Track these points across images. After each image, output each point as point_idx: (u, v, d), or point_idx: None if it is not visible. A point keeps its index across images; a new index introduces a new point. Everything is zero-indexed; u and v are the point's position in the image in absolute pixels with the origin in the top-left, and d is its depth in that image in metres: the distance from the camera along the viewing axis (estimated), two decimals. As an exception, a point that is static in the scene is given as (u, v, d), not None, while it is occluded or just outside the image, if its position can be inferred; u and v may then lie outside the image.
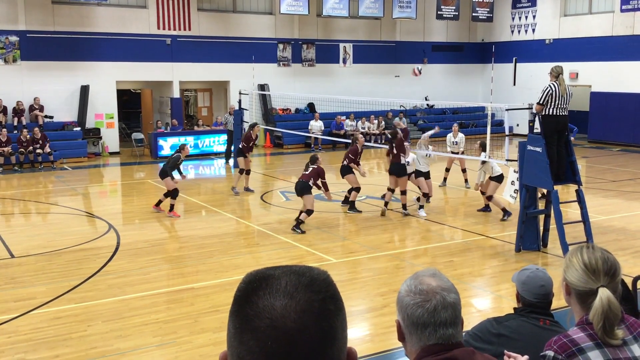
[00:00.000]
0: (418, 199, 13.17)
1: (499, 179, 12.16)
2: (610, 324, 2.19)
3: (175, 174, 12.62)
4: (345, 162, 12.83)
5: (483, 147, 12.21)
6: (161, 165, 13.56)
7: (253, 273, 1.11)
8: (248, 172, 14.88)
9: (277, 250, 10.18)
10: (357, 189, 12.79)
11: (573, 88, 10.36)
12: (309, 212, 11.11)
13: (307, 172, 11.36)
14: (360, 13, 24.90)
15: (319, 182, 11.41)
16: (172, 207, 12.31)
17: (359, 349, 6.44)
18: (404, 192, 12.34)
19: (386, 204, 12.57)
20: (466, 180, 15.51)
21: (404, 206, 12.44)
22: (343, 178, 13.07)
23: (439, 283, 1.89)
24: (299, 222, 11.08)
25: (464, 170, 15.59)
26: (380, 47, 26.58)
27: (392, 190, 12.50)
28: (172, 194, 12.35)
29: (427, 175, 12.97)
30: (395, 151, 12.28)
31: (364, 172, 13.12)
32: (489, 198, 12.41)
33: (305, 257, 9.75)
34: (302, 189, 11.20)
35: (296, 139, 22.92)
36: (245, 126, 19.72)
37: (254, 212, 13.05)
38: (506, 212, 12.00)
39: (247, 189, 14.84)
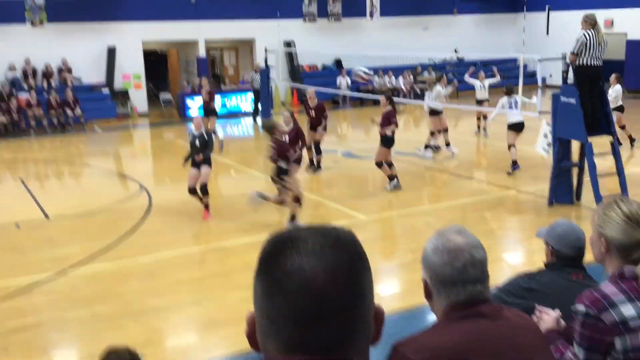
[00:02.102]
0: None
1: (514, 127, 12.02)
2: None
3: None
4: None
5: (508, 92, 12.15)
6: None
7: (277, 234, 1.09)
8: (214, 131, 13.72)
9: (305, 208, 10.19)
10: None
11: (608, 36, 10.01)
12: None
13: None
14: (387, -36, 24.29)
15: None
16: (206, 206, 9.80)
17: (389, 305, 6.48)
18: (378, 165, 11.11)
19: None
20: (484, 129, 15.58)
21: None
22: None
23: (466, 240, 1.85)
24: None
25: (483, 117, 15.62)
26: (408, -1, 25.99)
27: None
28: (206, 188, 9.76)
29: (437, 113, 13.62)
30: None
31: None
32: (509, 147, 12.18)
33: (334, 215, 9.76)
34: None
35: (324, 96, 22.70)
36: (272, 85, 19.71)
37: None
38: (515, 165, 11.93)
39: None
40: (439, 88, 13.89)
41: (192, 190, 9.58)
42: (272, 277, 1.03)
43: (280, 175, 9.01)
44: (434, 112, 13.82)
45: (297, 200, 9.06)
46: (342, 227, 1.11)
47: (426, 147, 13.86)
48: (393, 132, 10.73)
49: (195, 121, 9.86)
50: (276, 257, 1.04)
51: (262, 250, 1.09)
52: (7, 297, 6.89)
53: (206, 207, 9.67)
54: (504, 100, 12.26)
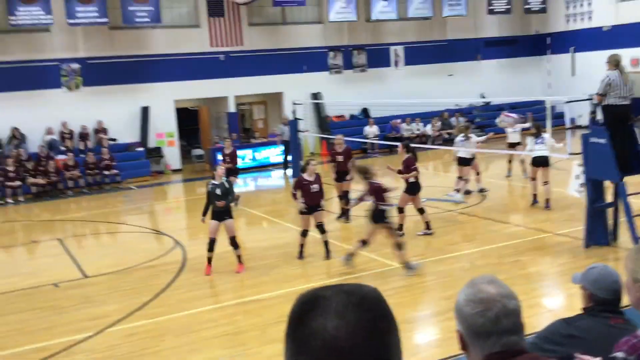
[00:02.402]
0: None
1: (536, 162, 12.52)
2: None
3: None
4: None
5: (537, 130, 12.81)
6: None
7: (304, 294, 1.13)
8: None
9: (339, 258, 10.20)
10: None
11: (635, 75, 10.02)
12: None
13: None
14: (410, 14, 24.75)
15: None
16: (239, 258, 9.84)
17: (427, 354, 6.40)
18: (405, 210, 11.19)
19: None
20: (524, 171, 15.39)
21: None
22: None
23: (498, 290, 1.86)
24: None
25: (522, 161, 15.45)
26: (432, 47, 26.33)
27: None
28: (235, 241, 9.78)
29: (468, 162, 13.79)
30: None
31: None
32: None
33: (367, 264, 9.74)
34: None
35: (352, 145, 22.90)
36: (301, 136, 19.96)
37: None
38: (534, 199, 12.76)
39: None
40: (475, 137, 13.97)
41: (213, 242, 9.61)
42: (298, 337, 1.07)
43: (381, 218, 9.06)
44: (465, 161, 13.85)
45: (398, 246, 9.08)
46: (368, 286, 1.14)
47: (456, 190, 13.86)
48: (416, 178, 10.87)
49: (218, 171, 9.94)
50: (302, 318, 1.09)
51: (291, 310, 1.13)
52: (48, 357, 6.98)
53: (239, 259, 9.75)
54: (530, 140, 12.80)
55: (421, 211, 11.21)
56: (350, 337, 1.04)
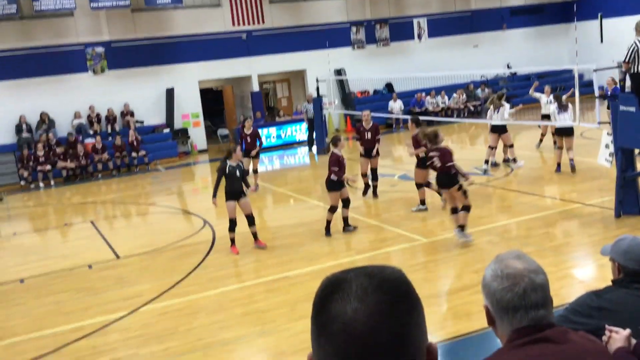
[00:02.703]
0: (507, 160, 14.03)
1: (560, 132, 12.84)
2: None
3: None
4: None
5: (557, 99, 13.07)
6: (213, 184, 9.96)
7: (328, 277, 1.15)
8: (254, 171, 14.25)
9: (366, 234, 10.23)
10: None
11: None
12: (332, 209, 10.16)
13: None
14: (432, -15, 24.37)
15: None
16: (256, 235, 9.98)
17: (456, 329, 6.41)
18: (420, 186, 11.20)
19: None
20: (555, 142, 15.12)
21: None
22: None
23: (525, 265, 1.86)
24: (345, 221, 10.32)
25: (553, 134, 15.18)
26: (455, 18, 25.94)
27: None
28: (252, 218, 9.84)
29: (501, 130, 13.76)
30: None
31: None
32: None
33: (395, 239, 9.75)
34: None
35: (377, 120, 22.76)
36: (325, 113, 19.89)
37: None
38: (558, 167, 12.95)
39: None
40: (507, 106, 13.84)
41: (233, 222, 9.64)
42: (320, 321, 1.09)
43: (451, 182, 8.95)
44: (498, 129, 13.75)
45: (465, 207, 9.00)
46: (391, 268, 1.14)
47: (486, 162, 13.88)
48: (426, 153, 10.73)
49: (237, 153, 9.79)
50: (324, 301, 1.10)
51: (315, 294, 1.15)
52: (84, 337, 7.17)
53: (255, 236, 9.85)
54: (554, 107, 12.96)
55: (427, 185, 11.20)
56: (368, 321, 1.05)
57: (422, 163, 10.79)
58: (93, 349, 6.83)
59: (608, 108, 11.76)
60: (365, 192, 12.71)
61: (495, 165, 14.07)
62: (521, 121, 15.84)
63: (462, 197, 8.96)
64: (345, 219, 10.26)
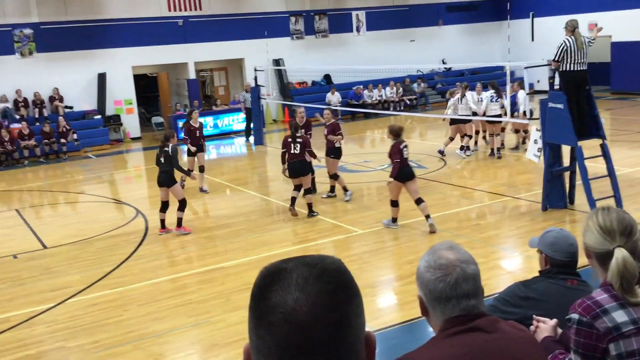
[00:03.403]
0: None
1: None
2: (628, 283, 2.21)
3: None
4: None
5: (493, 86, 14.12)
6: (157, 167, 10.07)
7: (267, 267, 1.13)
8: (201, 169, 12.90)
9: (302, 225, 10.25)
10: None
11: (599, 40, 10.16)
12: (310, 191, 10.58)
13: (297, 150, 10.27)
14: (371, -21, 24.53)
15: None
16: (180, 221, 10.08)
17: (389, 318, 6.51)
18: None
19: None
20: (483, 139, 15.56)
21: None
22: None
23: (457, 255, 1.89)
24: (310, 208, 10.52)
25: (477, 132, 15.57)
26: (394, 12, 26.23)
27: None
28: (182, 204, 9.97)
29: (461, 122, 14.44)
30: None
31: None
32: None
33: (331, 230, 9.81)
34: (304, 167, 10.34)
35: (314, 111, 22.86)
36: (263, 103, 19.74)
37: (277, 189, 13.10)
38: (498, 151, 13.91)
39: (201, 189, 12.95)
40: (470, 98, 14.39)
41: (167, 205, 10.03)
42: (259, 311, 1.07)
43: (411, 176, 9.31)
44: (460, 120, 14.47)
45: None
46: (331, 257, 1.13)
47: (461, 148, 14.69)
48: (340, 143, 11.40)
49: (174, 138, 10.27)
50: (263, 291, 1.08)
51: (254, 284, 1.12)
52: (9, 329, 6.89)
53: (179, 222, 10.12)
54: (489, 93, 13.93)
55: (335, 177, 11.45)
56: (309, 310, 1.04)
57: (335, 152, 11.36)
58: (19, 342, 6.58)
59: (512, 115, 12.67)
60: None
61: (443, 153, 14.69)
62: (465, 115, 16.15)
63: (417, 191, 9.33)
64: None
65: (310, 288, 1.05)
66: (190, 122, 12.90)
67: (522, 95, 13.59)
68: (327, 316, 1.04)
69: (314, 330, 1.03)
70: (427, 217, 9.24)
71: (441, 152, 14.81)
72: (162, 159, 9.85)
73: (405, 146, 9.29)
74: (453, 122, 14.62)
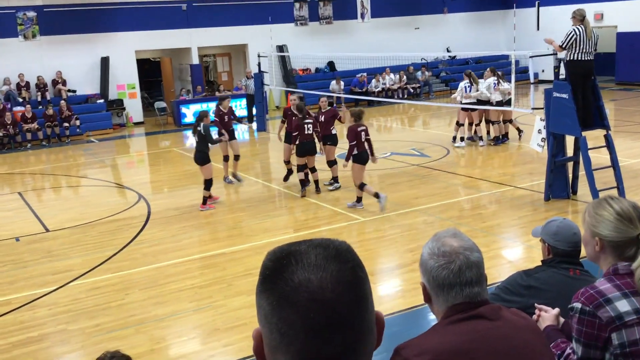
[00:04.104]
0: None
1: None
2: None
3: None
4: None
5: (493, 72, 14.05)
6: (192, 144, 10.80)
7: (277, 250, 1.12)
8: (236, 157, 12.23)
9: (304, 211, 10.25)
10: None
11: (598, 30, 10.11)
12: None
13: (310, 130, 10.75)
14: (376, -35, 24.34)
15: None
16: (205, 199, 10.61)
17: (391, 305, 6.53)
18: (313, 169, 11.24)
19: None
20: (488, 132, 15.42)
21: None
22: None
23: (461, 243, 1.89)
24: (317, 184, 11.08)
25: (487, 122, 15.47)
26: (398, -1, 26.07)
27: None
28: (207, 184, 10.44)
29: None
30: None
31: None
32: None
33: (332, 218, 9.81)
34: (314, 147, 10.87)
35: (318, 98, 22.78)
36: (267, 89, 19.67)
37: (278, 175, 13.08)
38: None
39: (234, 176, 12.43)
40: (483, 85, 14.27)
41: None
42: (280, 292, 1.06)
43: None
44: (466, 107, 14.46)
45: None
46: (337, 239, 1.15)
47: (461, 139, 14.64)
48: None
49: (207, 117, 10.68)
50: (280, 272, 1.07)
51: (264, 267, 1.11)
52: (10, 312, 6.92)
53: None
54: (491, 80, 13.84)
55: (331, 163, 11.33)
56: (335, 288, 1.05)
57: (332, 139, 11.24)
58: (20, 324, 6.61)
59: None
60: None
61: (470, 139, 14.74)
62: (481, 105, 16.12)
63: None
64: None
65: (332, 267, 1.07)
66: (220, 106, 12.27)
67: (488, 82, 13.83)
68: (349, 293, 1.07)
69: (339, 307, 1.05)
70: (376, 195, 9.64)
71: (460, 139, 14.69)
72: (196, 139, 10.35)
73: (364, 130, 9.63)
74: (463, 108, 14.55)
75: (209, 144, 10.37)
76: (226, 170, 12.51)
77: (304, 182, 10.96)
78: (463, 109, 14.45)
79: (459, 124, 14.70)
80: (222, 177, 12.40)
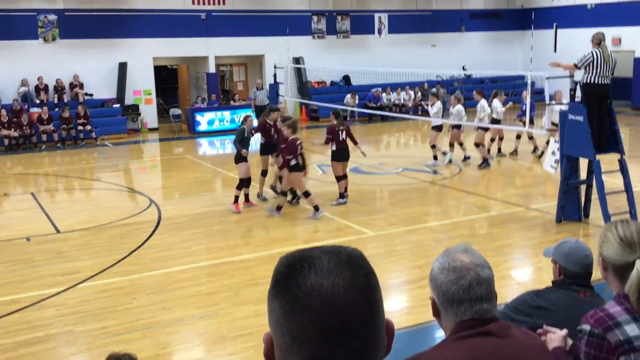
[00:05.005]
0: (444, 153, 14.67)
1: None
2: None
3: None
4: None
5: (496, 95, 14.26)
6: (231, 144, 11.35)
7: (291, 255, 1.13)
8: (264, 173, 11.91)
9: (314, 224, 10.25)
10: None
11: (616, 54, 10.08)
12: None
13: (344, 136, 11.21)
14: (395, -18, 24.47)
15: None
16: (236, 198, 10.83)
17: (397, 321, 6.49)
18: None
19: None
20: (499, 150, 15.39)
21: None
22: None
23: (472, 259, 1.89)
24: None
25: (500, 139, 15.45)
26: (416, 16, 26.16)
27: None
28: (241, 183, 10.76)
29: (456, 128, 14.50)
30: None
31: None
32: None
33: (342, 231, 9.80)
34: (348, 154, 11.39)
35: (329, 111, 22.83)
36: (282, 100, 19.75)
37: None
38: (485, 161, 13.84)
39: (273, 189, 11.99)
40: (498, 103, 14.32)
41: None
42: (293, 296, 1.07)
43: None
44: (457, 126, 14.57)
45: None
46: (349, 246, 1.16)
47: (465, 158, 14.70)
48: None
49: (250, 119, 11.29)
50: (293, 277, 1.09)
51: (277, 271, 1.12)
52: (18, 311, 6.95)
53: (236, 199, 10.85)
54: (497, 101, 14.08)
55: (344, 177, 11.34)
56: (347, 293, 1.06)
57: (337, 155, 11.30)
58: (28, 324, 6.64)
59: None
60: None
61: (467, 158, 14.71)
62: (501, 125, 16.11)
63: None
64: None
65: (345, 272, 1.08)
66: (267, 119, 11.73)
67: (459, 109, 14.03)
68: (362, 299, 1.08)
69: (351, 313, 1.06)
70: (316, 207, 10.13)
71: (466, 158, 14.66)
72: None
73: (300, 143, 10.15)
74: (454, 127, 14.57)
75: (241, 145, 10.78)
76: (261, 188, 11.91)
77: (342, 195, 11.27)
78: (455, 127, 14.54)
79: (434, 147, 14.53)
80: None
